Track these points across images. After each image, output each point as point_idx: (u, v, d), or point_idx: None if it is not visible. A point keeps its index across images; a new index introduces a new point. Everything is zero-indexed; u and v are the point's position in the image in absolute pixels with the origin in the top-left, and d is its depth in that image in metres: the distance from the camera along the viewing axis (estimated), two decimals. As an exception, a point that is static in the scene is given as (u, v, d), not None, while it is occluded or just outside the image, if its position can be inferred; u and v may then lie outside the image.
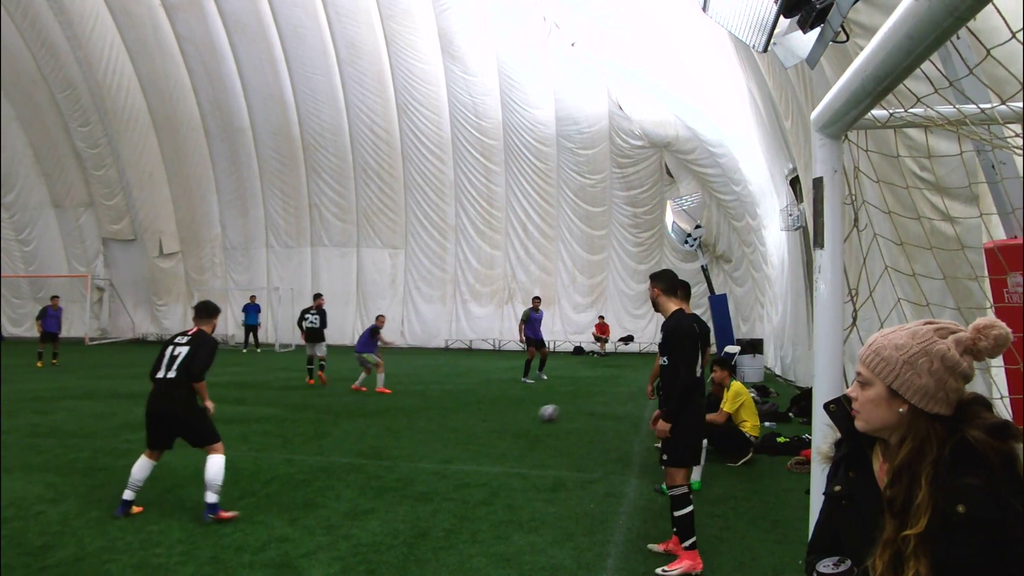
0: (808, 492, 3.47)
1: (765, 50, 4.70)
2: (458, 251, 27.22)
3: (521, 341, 17.63)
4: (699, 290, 22.24)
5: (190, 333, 6.59)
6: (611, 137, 24.69)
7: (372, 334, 14.88)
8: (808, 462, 6.58)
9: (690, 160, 23.10)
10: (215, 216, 29.21)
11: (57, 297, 21.75)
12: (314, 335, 15.89)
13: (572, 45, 23.09)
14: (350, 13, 24.63)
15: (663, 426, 5.25)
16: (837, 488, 1.85)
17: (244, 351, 26.02)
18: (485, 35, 24.30)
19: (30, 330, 30.84)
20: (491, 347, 26.85)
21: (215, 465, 6.15)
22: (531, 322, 16.99)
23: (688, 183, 23.79)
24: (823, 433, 3.12)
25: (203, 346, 6.46)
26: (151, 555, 5.27)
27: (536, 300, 17.67)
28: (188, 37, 26.23)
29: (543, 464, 8.35)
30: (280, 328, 26.94)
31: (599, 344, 25.12)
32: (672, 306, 5.37)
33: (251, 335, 26.81)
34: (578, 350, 25.73)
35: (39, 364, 19.75)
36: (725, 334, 18.94)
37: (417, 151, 26.48)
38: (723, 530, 6.05)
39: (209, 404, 6.43)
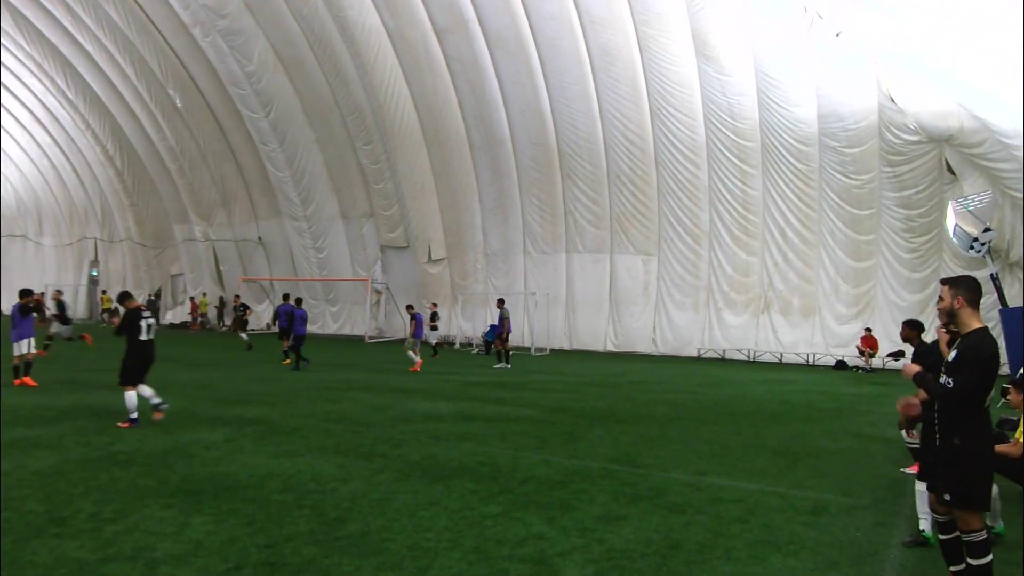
0: None
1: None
2: (712, 257, 26.49)
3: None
4: (987, 302, 19.63)
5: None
6: (881, 133, 22.57)
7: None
8: None
9: (977, 155, 20.52)
10: (478, 224, 31.03)
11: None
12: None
13: (837, 35, 21.54)
14: (604, 21, 24.99)
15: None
16: None
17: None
18: (741, 32, 23.47)
19: (322, 328, 34.97)
20: (745, 358, 25.83)
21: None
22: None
23: (974, 181, 21.06)
24: None
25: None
26: (422, 539, 5.77)
27: (499, 301, 23.51)
28: (456, 57, 28.19)
29: (803, 484, 7.92)
30: (536, 333, 27.94)
31: (864, 359, 23.11)
32: (975, 323, 4.57)
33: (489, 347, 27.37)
34: (840, 364, 23.87)
35: None
36: (1020, 354, 16.57)
37: (671, 156, 26.20)
38: (1019, 577, 5.34)
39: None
